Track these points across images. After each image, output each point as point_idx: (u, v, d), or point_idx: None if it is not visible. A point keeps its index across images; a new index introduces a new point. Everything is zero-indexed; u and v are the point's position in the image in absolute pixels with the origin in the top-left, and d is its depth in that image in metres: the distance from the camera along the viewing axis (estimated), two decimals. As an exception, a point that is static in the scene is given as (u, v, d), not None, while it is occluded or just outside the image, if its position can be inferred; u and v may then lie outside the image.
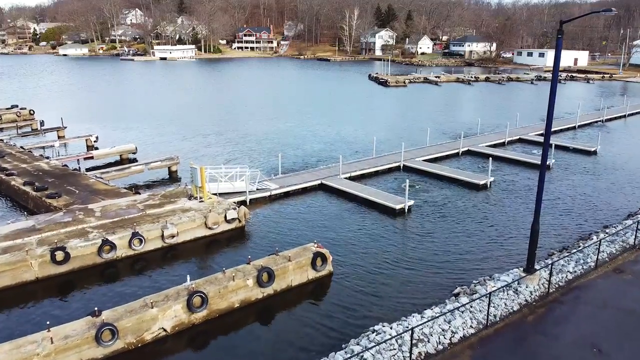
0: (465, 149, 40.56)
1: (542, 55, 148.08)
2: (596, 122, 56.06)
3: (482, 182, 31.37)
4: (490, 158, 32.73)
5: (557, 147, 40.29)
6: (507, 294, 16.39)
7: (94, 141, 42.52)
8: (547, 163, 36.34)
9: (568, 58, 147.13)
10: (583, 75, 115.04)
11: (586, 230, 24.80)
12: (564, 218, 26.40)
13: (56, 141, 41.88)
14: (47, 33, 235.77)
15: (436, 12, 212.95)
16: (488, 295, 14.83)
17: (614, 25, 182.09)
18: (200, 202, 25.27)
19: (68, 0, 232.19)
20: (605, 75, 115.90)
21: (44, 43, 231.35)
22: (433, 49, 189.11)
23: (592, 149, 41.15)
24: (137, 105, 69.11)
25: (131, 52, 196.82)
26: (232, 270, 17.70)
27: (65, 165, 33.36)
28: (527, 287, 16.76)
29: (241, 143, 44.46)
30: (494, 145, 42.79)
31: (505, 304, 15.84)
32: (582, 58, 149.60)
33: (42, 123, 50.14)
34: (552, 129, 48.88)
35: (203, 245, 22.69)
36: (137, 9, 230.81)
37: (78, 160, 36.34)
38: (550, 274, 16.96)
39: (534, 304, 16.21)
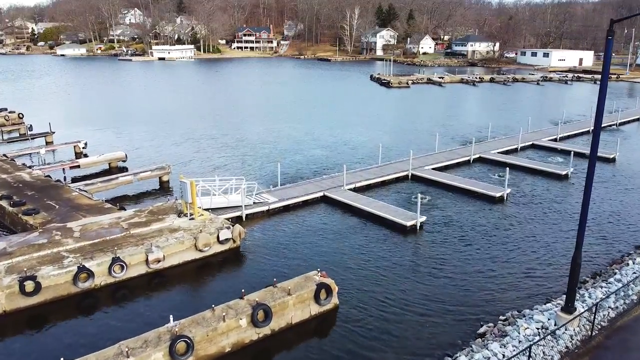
0: (477, 155, 38.13)
1: (546, 55, 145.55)
2: (610, 125, 53.56)
3: (498, 195, 28.94)
4: (508, 168, 30.13)
5: (575, 154, 37.77)
6: (545, 340, 13.99)
7: (83, 147, 40.19)
8: (565, 172, 34.39)
9: (573, 58, 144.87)
10: (589, 76, 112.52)
11: (618, 250, 22.42)
12: (591, 237, 23.80)
13: (42, 148, 39.44)
14: (45, 33, 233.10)
15: (438, 11, 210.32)
16: (528, 348, 12.40)
17: (618, 25, 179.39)
18: (190, 219, 22.90)
19: (67, 0, 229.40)
20: (612, 76, 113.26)
21: (42, 43, 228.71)
22: (435, 48, 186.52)
23: (611, 156, 38.71)
24: (131, 108, 66.61)
25: (129, 52, 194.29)
26: (223, 308, 15.33)
27: (48, 175, 30.90)
28: (566, 330, 14.37)
29: (237, 149, 42.04)
30: (507, 152, 40.38)
31: (543, 353, 13.44)
32: (587, 58, 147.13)
33: (30, 128, 47.71)
34: (565, 134, 47.22)
35: (192, 271, 20.26)
36: (135, 8, 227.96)
37: (63, 169, 33.94)
38: (595, 314, 14.54)
39: (576, 352, 13.82)
